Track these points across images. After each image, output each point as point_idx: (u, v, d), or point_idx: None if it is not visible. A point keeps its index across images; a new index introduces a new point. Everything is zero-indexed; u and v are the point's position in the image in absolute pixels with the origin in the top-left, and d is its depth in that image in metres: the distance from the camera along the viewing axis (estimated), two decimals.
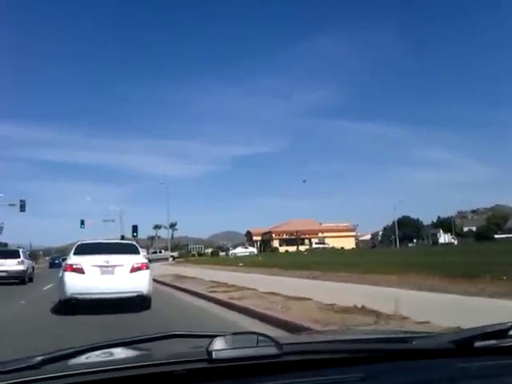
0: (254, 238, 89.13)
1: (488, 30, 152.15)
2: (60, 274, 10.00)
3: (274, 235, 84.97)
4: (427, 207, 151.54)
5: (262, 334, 1.08)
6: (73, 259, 9.87)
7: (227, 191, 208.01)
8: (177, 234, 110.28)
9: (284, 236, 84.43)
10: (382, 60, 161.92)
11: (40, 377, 1.00)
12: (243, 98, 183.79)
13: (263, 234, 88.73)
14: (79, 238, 15.05)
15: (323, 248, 76.64)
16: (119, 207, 66.83)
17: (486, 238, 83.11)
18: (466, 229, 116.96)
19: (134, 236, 47.73)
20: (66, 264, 9.85)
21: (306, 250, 70.44)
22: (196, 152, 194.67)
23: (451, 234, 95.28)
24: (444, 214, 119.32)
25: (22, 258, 20.96)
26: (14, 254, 21.16)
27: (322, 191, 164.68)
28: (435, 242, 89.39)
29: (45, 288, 16.89)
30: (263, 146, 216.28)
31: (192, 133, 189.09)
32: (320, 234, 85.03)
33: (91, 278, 9.31)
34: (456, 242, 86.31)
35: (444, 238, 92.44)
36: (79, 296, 9.21)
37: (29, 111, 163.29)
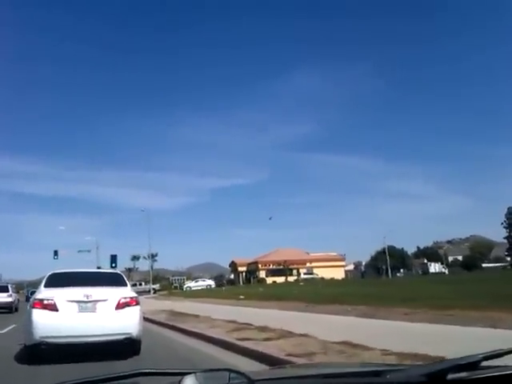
0: (239, 268, 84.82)
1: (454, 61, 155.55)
2: (27, 312, 8.11)
3: (260, 265, 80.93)
4: (403, 238, 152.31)
5: (234, 371, 1.05)
6: (43, 293, 8.04)
7: (205, 223, 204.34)
8: (155, 266, 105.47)
9: (271, 266, 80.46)
10: (355, 98, 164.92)
11: None
12: (220, 130, 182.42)
13: (249, 265, 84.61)
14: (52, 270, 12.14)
15: (312, 278, 72.98)
16: (95, 238, 62.42)
17: (473, 267, 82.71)
18: (450, 258, 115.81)
19: (112, 267, 43.31)
20: (35, 299, 7.97)
21: (299, 279, 66.61)
22: (173, 184, 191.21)
23: (441, 264, 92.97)
24: (420, 245, 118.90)
25: (10, 291, 26.12)
26: (4, 289, 26.16)
27: (303, 222, 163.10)
28: (425, 271, 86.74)
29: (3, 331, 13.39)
30: (241, 177, 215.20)
31: (168, 165, 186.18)
32: (308, 264, 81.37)
33: (67, 316, 7.60)
34: (446, 272, 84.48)
35: (434, 267, 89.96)
36: (51, 340, 7.43)
37: (1, 143, 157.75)
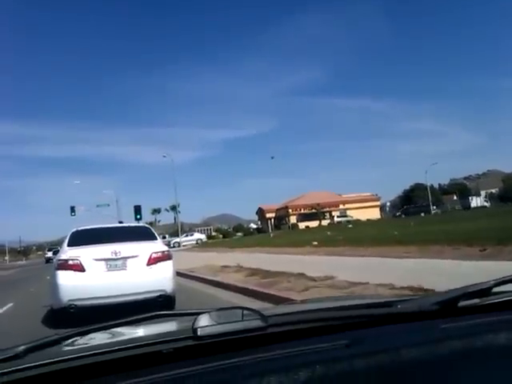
0: (267, 215, 79.89)
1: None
2: (52, 275, 7.69)
3: (290, 210, 75.85)
4: (419, 176, 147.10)
5: (246, 308, 1.06)
6: (68, 253, 7.47)
7: (218, 175, 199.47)
8: (170, 220, 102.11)
9: (302, 210, 75.38)
10: (365, 38, 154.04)
11: (23, 366, 0.94)
12: (228, 81, 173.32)
13: (277, 210, 79.72)
14: (71, 228, 9.45)
15: (347, 221, 68.11)
16: (113, 191, 57.93)
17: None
18: (482, 192, 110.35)
19: (137, 219, 38.62)
20: (59, 260, 7.47)
21: (342, 222, 61.54)
22: (183, 138, 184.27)
23: (484, 197, 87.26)
24: (435, 182, 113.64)
25: None
26: None
27: (314, 168, 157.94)
28: (466, 206, 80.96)
29: None
30: (252, 128, 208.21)
31: (177, 120, 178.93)
32: (341, 206, 76.15)
33: (95, 276, 7.19)
34: (488, 205, 79.28)
35: (476, 201, 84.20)
36: (79, 302, 7.02)
37: (9, 108, 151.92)
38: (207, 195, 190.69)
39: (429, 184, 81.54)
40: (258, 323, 1.00)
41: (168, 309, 6.87)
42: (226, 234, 72.62)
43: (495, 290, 1.19)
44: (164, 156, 53.21)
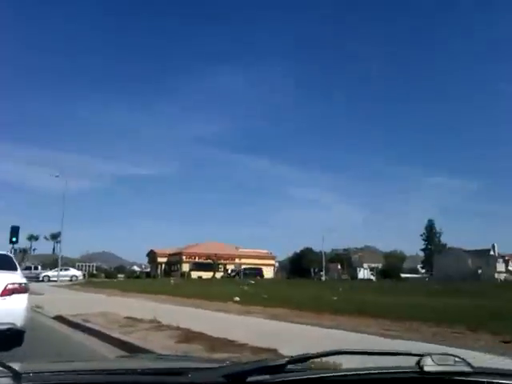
0: (159, 259, 74.63)
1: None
2: None
3: (184, 257, 71.56)
4: (300, 243, 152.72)
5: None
6: None
7: (104, 211, 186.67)
8: (46, 251, 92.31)
9: (197, 259, 71.49)
10: (275, 103, 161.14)
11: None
12: (133, 117, 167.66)
13: (170, 256, 74.90)
14: None
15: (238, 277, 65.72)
16: None
17: (393, 276, 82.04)
18: (365, 265, 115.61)
19: (12, 242, 32.29)
20: None
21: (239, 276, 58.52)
22: (74, 166, 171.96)
23: (370, 271, 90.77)
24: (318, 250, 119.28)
25: None
26: None
27: (209, 219, 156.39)
28: (354, 277, 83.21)
29: None
30: (149, 168, 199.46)
31: (71, 146, 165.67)
32: (237, 260, 73.67)
33: None
34: (374, 279, 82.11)
35: (363, 273, 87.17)
36: None
37: None
38: (90, 230, 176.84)
39: (323, 251, 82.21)
40: (7, 381, 0.94)
41: (16, 343, 6.94)
42: (109, 274, 66.02)
43: (289, 367, 1.16)
44: (57, 176, 47.21)
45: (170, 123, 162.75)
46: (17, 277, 7.69)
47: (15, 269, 8.07)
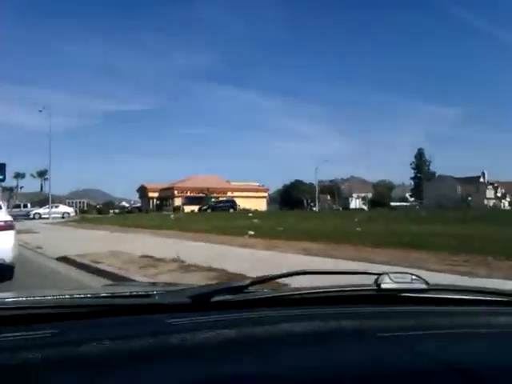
0: (150, 194, 73.32)
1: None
2: None
3: (176, 192, 70.32)
4: (287, 175, 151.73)
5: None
6: None
7: (91, 148, 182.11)
8: (33, 189, 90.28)
9: (189, 193, 70.34)
10: (262, 33, 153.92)
11: None
12: (117, 51, 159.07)
13: (161, 190, 73.55)
14: None
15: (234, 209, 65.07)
16: None
17: (383, 205, 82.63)
18: (354, 195, 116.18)
19: None
20: None
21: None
22: (61, 103, 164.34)
23: (362, 201, 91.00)
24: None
25: None
26: None
27: (197, 153, 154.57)
28: (345, 207, 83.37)
29: None
30: (135, 103, 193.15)
31: (58, 83, 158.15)
32: (229, 194, 72.77)
33: None
34: (366, 208, 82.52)
35: (355, 203, 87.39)
36: None
37: None
38: (76, 167, 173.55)
39: (316, 181, 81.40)
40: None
41: (7, 278, 7.17)
42: (101, 210, 64.74)
43: (250, 288, 1.21)
44: (40, 110, 44.46)
45: (154, 56, 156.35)
46: (1, 215, 8.01)
47: None
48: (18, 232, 20.50)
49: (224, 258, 9.49)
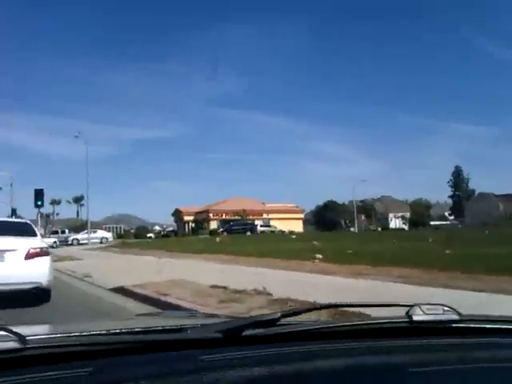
0: (185, 217, 72.52)
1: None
2: None
3: (211, 215, 69.34)
4: (318, 196, 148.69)
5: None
6: None
7: (123, 175, 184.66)
8: (69, 215, 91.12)
9: (224, 216, 69.20)
10: (290, 57, 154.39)
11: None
12: (145, 81, 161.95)
13: (197, 214, 72.70)
14: None
15: (271, 231, 63.46)
16: (8, 173, 47.70)
17: (423, 225, 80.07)
18: (391, 215, 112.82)
19: (37, 206, 30.23)
20: None
21: (273, 232, 56.18)
22: (92, 133, 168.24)
23: (402, 221, 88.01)
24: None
25: None
26: None
27: (228, 179, 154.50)
28: (385, 226, 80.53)
29: None
30: (165, 129, 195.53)
31: (88, 113, 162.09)
32: (265, 216, 71.33)
33: None
34: (406, 228, 79.68)
35: (395, 222, 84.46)
36: None
37: None
38: (108, 194, 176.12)
39: (354, 201, 79.19)
40: (13, 345, 0.97)
41: (44, 300, 8.12)
42: (138, 234, 64.19)
43: (282, 321, 1.20)
44: (76, 136, 44.42)
45: (179, 84, 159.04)
46: (37, 242, 8.53)
47: (35, 235, 8.87)
48: (61, 259, 19.54)
49: (312, 288, 7.95)
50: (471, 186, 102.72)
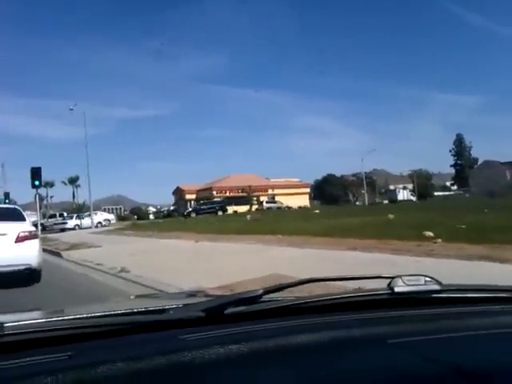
0: (187, 196, 68.81)
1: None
2: None
3: (215, 192, 65.77)
4: (310, 170, 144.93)
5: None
6: None
7: (112, 155, 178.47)
8: (64, 198, 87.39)
9: (228, 193, 65.67)
10: (272, 32, 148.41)
11: None
12: (127, 59, 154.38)
13: (198, 192, 69.06)
14: None
15: (278, 207, 60.32)
16: None
17: (428, 196, 78.70)
18: (391, 187, 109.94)
19: (35, 186, 26.65)
20: None
21: (280, 208, 52.86)
22: (76, 113, 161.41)
23: (411, 192, 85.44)
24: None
25: None
26: None
27: (213, 155, 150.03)
28: (393, 199, 77.64)
29: None
30: (150, 109, 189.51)
31: (72, 92, 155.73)
32: (270, 191, 67.98)
33: None
34: (415, 199, 76.95)
35: (403, 194, 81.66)
36: None
37: None
38: (98, 176, 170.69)
39: (363, 173, 76.20)
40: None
41: (34, 280, 8.45)
42: (141, 215, 60.55)
43: (264, 298, 1.19)
44: (71, 108, 40.53)
45: (165, 61, 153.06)
46: (26, 226, 8.96)
47: (24, 219, 9.25)
48: (74, 247, 16.14)
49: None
50: (474, 154, 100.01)
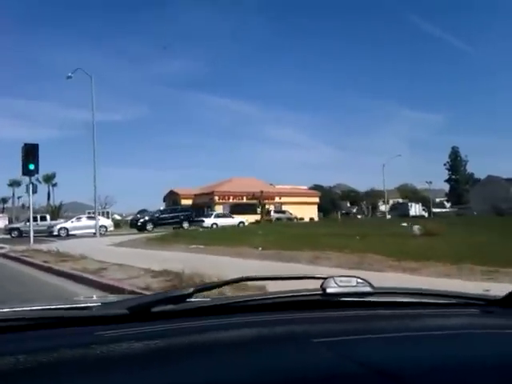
0: (184, 201, 62.08)
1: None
2: None
3: (217, 198, 59.27)
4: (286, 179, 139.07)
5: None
6: None
7: (74, 159, 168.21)
8: (37, 199, 79.70)
9: (232, 199, 59.29)
10: (243, 36, 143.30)
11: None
12: (99, 60, 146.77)
13: (196, 196, 62.44)
14: None
15: (288, 219, 54.52)
16: None
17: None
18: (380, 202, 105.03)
19: (29, 172, 19.94)
20: None
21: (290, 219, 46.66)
22: (42, 114, 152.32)
23: (422, 206, 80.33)
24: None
25: None
26: None
27: (179, 164, 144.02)
28: (405, 214, 72.01)
29: None
30: (118, 112, 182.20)
31: (38, 93, 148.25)
32: (277, 199, 61.94)
33: None
34: (426, 215, 71.98)
35: (415, 210, 76.46)
36: None
37: None
38: (60, 179, 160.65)
39: (385, 188, 70.86)
40: None
41: None
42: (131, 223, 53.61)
43: (194, 297, 1.19)
44: (69, 76, 33.87)
45: (134, 64, 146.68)
46: None
47: None
48: (88, 270, 9.96)
49: None
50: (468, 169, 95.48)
